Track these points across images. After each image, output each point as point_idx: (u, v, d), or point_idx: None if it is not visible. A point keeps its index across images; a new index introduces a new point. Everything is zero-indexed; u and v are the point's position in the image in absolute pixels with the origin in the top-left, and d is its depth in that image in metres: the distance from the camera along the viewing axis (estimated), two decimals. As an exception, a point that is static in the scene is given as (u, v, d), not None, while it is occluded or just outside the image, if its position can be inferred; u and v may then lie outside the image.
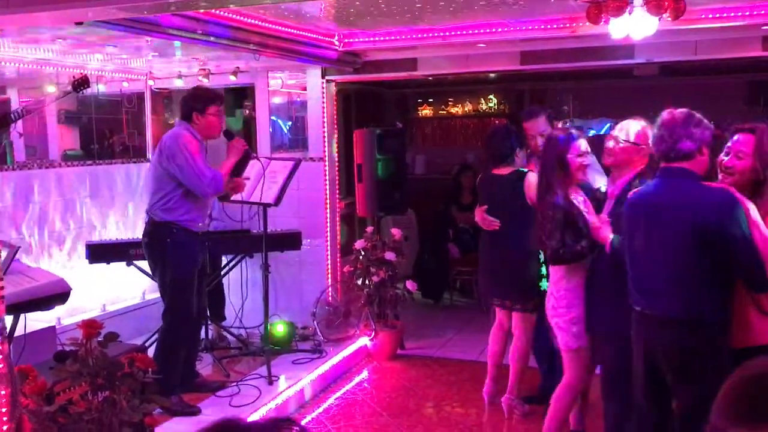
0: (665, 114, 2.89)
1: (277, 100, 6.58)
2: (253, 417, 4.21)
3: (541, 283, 4.11)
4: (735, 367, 1.22)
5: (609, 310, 3.27)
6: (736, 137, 2.87)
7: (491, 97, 8.60)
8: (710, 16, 4.28)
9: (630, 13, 3.64)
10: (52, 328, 4.55)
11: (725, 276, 2.74)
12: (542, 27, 4.59)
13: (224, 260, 5.73)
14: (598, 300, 3.38)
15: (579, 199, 3.45)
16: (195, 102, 4.25)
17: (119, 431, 2.91)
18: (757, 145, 2.80)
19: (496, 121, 8.14)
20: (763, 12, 4.23)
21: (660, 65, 6.04)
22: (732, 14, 4.27)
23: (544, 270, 4.04)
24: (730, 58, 4.94)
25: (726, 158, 2.88)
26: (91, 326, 2.95)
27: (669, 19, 3.74)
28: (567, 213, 3.39)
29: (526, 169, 4.21)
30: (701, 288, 2.75)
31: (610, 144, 3.35)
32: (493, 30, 4.74)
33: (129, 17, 3.40)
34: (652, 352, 2.89)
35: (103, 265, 5.25)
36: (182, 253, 4.22)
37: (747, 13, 4.26)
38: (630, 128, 3.32)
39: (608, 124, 8.32)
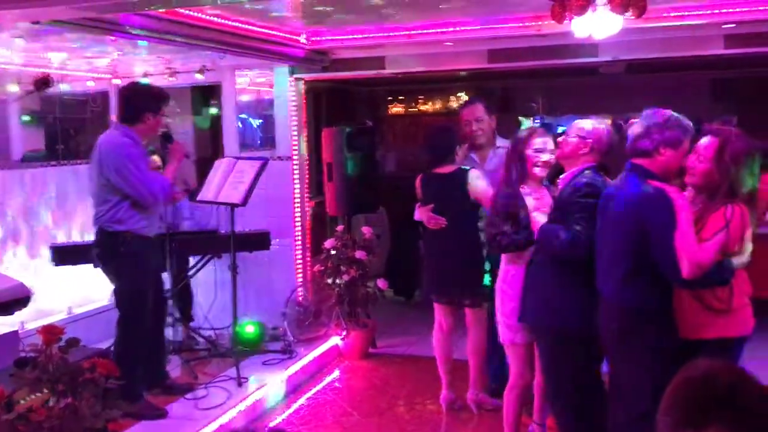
0: (643, 112, 3.06)
1: (246, 98, 6.53)
2: (222, 420, 4.18)
3: (484, 278, 4.19)
4: (683, 357, 1.25)
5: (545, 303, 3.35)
6: (703, 139, 2.92)
7: (461, 95, 8.63)
8: (673, 14, 4.35)
9: (593, 12, 3.66)
10: (15, 332, 4.46)
11: (651, 266, 2.88)
12: (508, 26, 4.62)
13: (192, 261, 5.68)
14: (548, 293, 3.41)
15: (531, 195, 3.48)
16: (149, 101, 4.05)
17: (81, 438, 2.86)
18: (718, 150, 2.84)
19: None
20: (724, 11, 4.30)
21: (625, 62, 6.09)
22: (694, 12, 4.34)
23: (488, 266, 4.14)
24: (693, 55, 4.99)
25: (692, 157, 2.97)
26: (51, 332, 2.90)
27: (632, 17, 3.78)
28: (510, 204, 3.48)
29: (467, 167, 4.25)
30: (629, 276, 2.94)
31: (560, 138, 3.46)
32: (460, 28, 4.76)
33: (88, 17, 3.35)
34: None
35: (69, 267, 5.17)
36: (136, 263, 4.07)
37: (708, 12, 4.33)
38: (580, 125, 3.36)
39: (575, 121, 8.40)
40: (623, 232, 2.93)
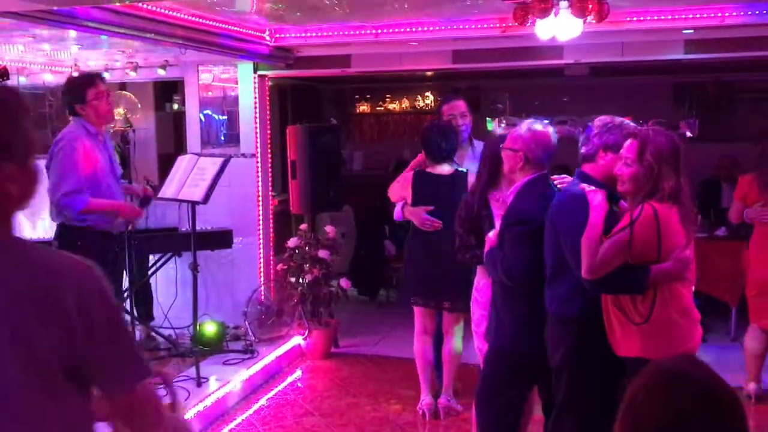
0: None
1: (211, 94, 6.44)
2: (180, 420, 4.12)
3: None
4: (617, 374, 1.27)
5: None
6: (626, 143, 2.72)
7: (428, 94, 8.65)
8: (634, 18, 4.40)
9: (556, 15, 3.70)
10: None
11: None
12: (473, 27, 4.64)
13: (152, 259, 5.59)
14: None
15: (500, 202, 3.39)
16: (71, 94, 3.96)
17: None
18: (639, 150, 2.64)
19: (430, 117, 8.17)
20: (684, 16, 4.36)
21: (589, 66, 6.16)
22: (655, 17, 4.40)
23: None
24: (654, 59, 5.06)
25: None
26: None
27: (594, 21, 3.82)
28: (472, 213, 3.40)
29: (464, 169, 4.13)
30: (554, 283, 2.86)
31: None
32: (425, 29, 4.76)
33: (43, 8, 3.27)
34: None
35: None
36: (92, 257, 4.00)
37: (669, 17, 4.40)
38: (513, 135, 3.12)
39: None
40: (549, 243, 2.85)
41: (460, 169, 4.14)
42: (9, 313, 1.30)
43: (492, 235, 3.15)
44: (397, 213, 4.37)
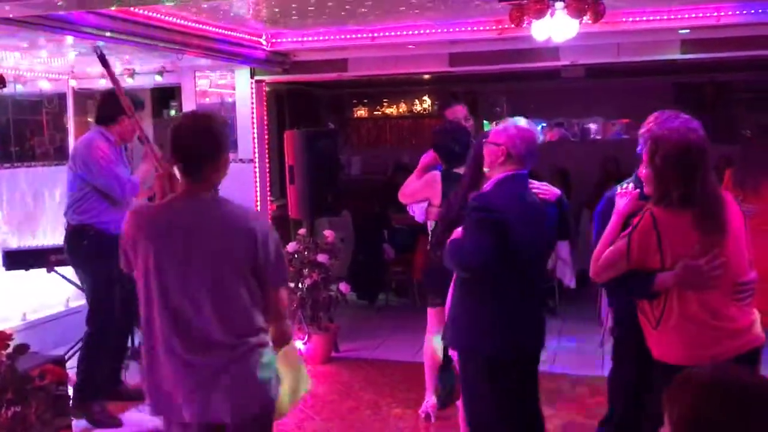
0: None
1: (208, 100, 6.45)
2: (180, 426, 4.10)
3: None
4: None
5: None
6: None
7: (425, 98, 8.66)
8: (630, 19, 4.41)
9: (551, 16, 3.70)
10: (-36, 340, 4.34)
11: None
12: (469, 29, 4.64)
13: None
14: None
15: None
16: (109, 109, 4.19)
17: (30, 447, 2.79)
18: (650, 153, 2.57)
19: (436, 122, 8.18)
20: (679, 16, 4.37)
21: (586, 67, 6.17)
22: (650, 18, 4.41)
23: None
24: (650, 60, 5.07)
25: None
26: (-2, 338, 2.82)
27: (590, 21, 3.83)
28: (450, 212, 3.32)
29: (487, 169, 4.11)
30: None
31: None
32: (422, 31, 4.76)
33: (40, 14, 3.27)
34: None
35: (23, 272, 5.04)
36: (98, 257, 4.13)
37: (665, 17, 4.40)
38: (497, 128, 3.02)
39: (541, 125, 8.49)
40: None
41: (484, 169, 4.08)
42: (224, 236, 2.37)
43: (460, 229, 2.99)
44: (420, 214, 4.23)
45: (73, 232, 4.21)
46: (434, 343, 4.34)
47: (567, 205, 3.07)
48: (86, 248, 4.14)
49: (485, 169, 3.03)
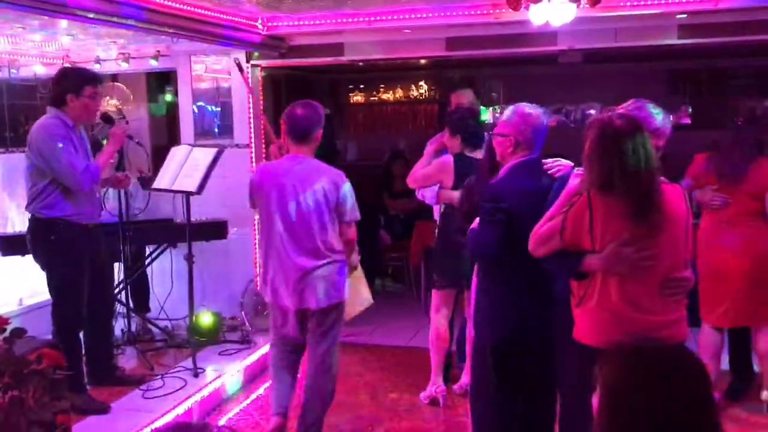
0: None
1: (203, 85, 6.41)
2: (178, 410, 4.12)
3: None
4: None
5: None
6: None
7: (422, 83, 8.63)
8: (628, 3, 4.38)
9: (549, 0, 3.68)
10: (-39, 324, 4.32)
11: None
12: (466, 13, 4.61)
13: (148, 250, 5.58)
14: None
15: None
16: (68, 83, 3.93)
17: (28, 431, 2.79)
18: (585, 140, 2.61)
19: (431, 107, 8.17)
20: (677, 0, 4.35)
21: (583, 53, 6.15)
22: (648, 2, 4.38)
23: None
24: (648, 45, 5.05)
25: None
26: (-6, 322, 2.81)
27: (587, 6, 3.81)
28: (468, 199, 3.33)
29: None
30: None
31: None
32: (418, 15, 4.73)
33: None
34: None
35: (19, 257, 5.03)
36: (67, 252, 3.93)
37: (663, 1, 4.38)
38: (502, 119, 3.06)
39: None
40: None
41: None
42: (319, 183, 3.48)
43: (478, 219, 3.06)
44: (431, 197, 4.29)
45: (38, 227, 3.94)
46: (438, 324, 4.37)
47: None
48: (54, 244, 3.90)
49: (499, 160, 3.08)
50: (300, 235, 3.48)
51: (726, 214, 4.03)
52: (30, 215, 4.01)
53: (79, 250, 4.00)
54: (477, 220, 3.00)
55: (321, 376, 3.66)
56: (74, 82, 3.92)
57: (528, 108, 2.98)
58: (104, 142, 4.81)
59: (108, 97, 5.97)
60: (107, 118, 4.26)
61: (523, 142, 2.93)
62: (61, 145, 3.80)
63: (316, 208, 3.45)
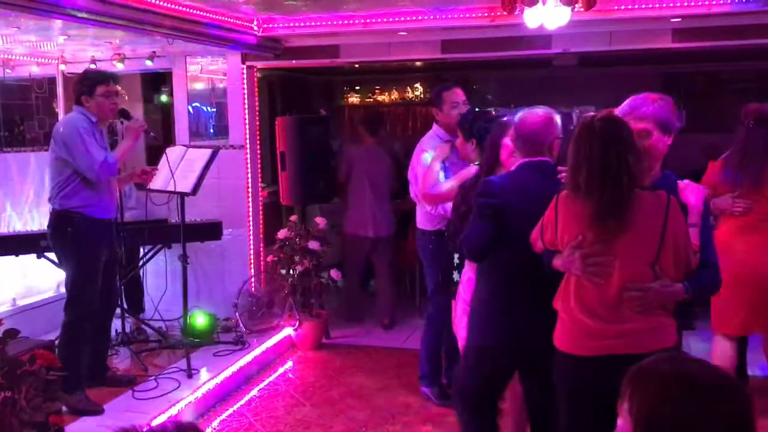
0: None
1: (199, 86, 6.41)
2: (171, 411, 4.11)
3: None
4: None
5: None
6: None
7: (417, 85, 8.63)
8: (622, 7, 4.40)
9: (544, 3, 3.69)
10: (-47, 325, 4.32)
11: None
12: (462, 16, 4.63)
13: (142, 251, 5.57)
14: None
15: None
16: (82, 85, 4.13)
17: (20, 432, 2.79)
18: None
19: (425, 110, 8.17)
20: (671, 4, 4.37)
21: (578, 56, 6.16)
22: (643, 6, 4.40)
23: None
24: (642, 49, 5.07)
25: None
26: (-13, 323, 2.81)
27: (582, 9, 3.81)
28: (464, 200, 3.29)
29: None
30: None
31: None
32: (414, 18, 4.74)
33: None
34: None
35: (12, 257, 5.02)
36: (83, 244, 4.09)
37: (657, 5, 4.40)
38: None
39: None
40: None
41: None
42: (386, 164, 6.03)
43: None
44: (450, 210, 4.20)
45: (57, 219, 4.12)
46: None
47: None
48: (71, 235, 4.07)
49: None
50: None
51: (746, 219, 3.90)
52: (51, 208, 4.18)
53: (95, 243, 4.14)
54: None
55: None
56: (87, 84, 4.12)
57: (527, 113, 2.94)
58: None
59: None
60: (124, 113, 4.31)
61: (520, 148, 2.91)
62: (83, 136, 3.99)
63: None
